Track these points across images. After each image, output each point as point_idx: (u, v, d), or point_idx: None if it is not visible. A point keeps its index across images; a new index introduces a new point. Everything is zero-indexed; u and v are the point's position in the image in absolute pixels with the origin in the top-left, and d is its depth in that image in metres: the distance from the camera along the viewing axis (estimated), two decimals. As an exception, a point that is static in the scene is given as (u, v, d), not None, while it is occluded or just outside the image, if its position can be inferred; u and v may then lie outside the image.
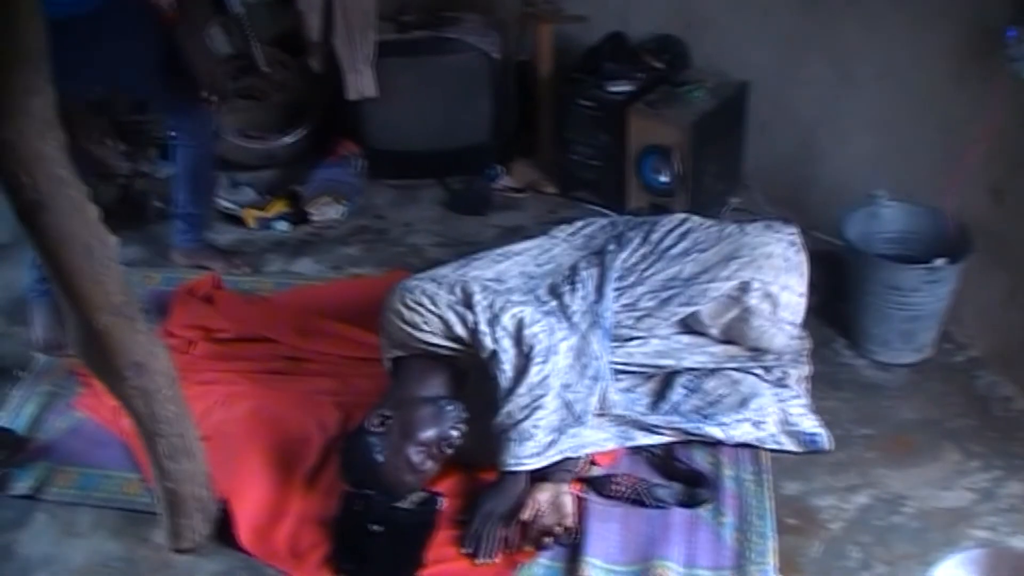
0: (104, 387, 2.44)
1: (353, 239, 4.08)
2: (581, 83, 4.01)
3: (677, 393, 2.97)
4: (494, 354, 2.76)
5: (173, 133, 3.69)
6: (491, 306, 2.80)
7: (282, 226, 4.17)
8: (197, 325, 3.47)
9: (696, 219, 3.16)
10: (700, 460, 2.87)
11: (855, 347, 3.32)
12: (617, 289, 2.97)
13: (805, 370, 3.12)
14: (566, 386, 2.80)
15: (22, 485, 2.93)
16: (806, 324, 3.13)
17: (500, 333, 2.77)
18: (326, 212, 4.19)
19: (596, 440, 2.84)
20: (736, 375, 3.01)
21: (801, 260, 3.01)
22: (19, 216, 1.73)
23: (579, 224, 3.28)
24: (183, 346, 3.39)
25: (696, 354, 3.01)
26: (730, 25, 3.95)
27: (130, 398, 2.17)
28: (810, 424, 2.92)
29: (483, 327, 2.77)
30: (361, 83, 4.16)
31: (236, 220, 4.19)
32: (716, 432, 2.87)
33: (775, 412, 2.92)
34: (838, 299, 3.35)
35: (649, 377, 3.04)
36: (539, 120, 4.32)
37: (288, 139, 4.54)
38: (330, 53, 4.17)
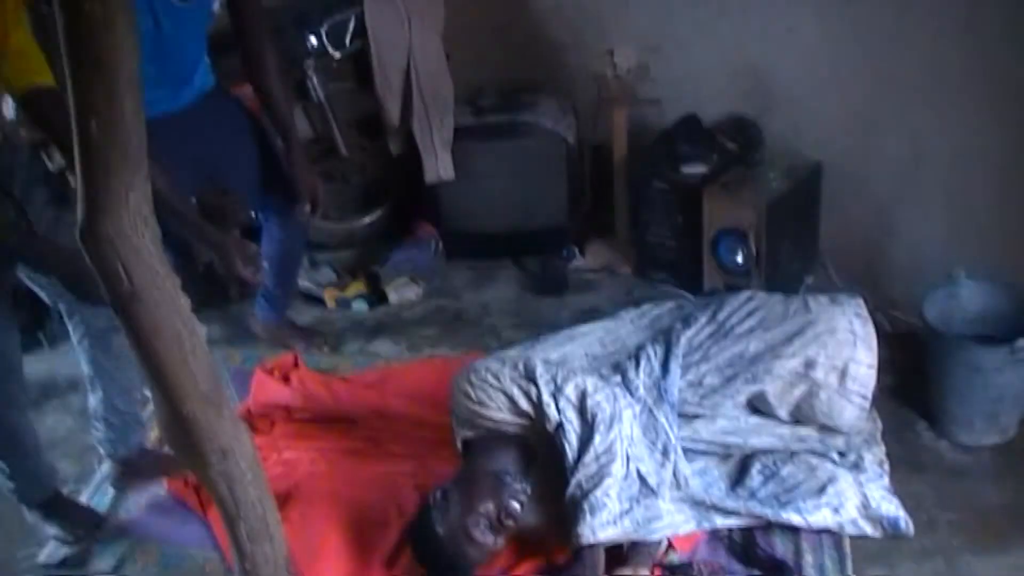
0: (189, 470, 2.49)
1: (430, 320, 4.12)
2: (656, 165, 4.04)
3: (754, 479, 2.94)
4: (559, 426, 2.79)
5: (263, 220, 3.75)
6: (554, 379, 2.83)
7: (360, 306, 4.23)
8: (277, 405, 3.52)
9: (763, 296, 3.16)
10: (780, 546, 2.84)
11: (936, 429, 3.26)
12: (682, 367, 2.97)
13: (881, 452, 3.07)
14: (637, 459, 2.80)
15: (103, 563, 2.98)
16: (885, 405, 3.10)
17: (564, 404, 2.79)
18: (404, 293, 4.24)
19: (674, 521, 2.82)
20: (813, 460, 2.97)
21: (868, 332, 2.98)
22: (114, 307, 1.79)
23: (647, 306, 3.30)
24: (264, 426, 3.44)
25: (764, 435, 2.99)
26: (803, 105, 3.96)
27: (214, 483, 2.20)
28: (891, 508, 2.87)
29: (546, 399, 2.80)
30: (439, 166, 4.23)
31: (315, 300, 4.26)
32: (795, 518, 2.83)
33: (854, 496, 2.88)
34: (918, 380, 3.31)
35: (722, 459, 3.03)
36: (614, 202, 4.35)
37: (367, 220, 4.62)
38: (408, 136, 4.26)
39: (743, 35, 4.01)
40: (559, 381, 2.82)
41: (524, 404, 2.83)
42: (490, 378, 2.85)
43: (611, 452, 2.73)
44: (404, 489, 3.11)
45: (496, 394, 2.84)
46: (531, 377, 2.84)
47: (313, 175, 3.54)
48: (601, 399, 2.79)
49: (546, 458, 2.87)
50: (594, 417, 2.76)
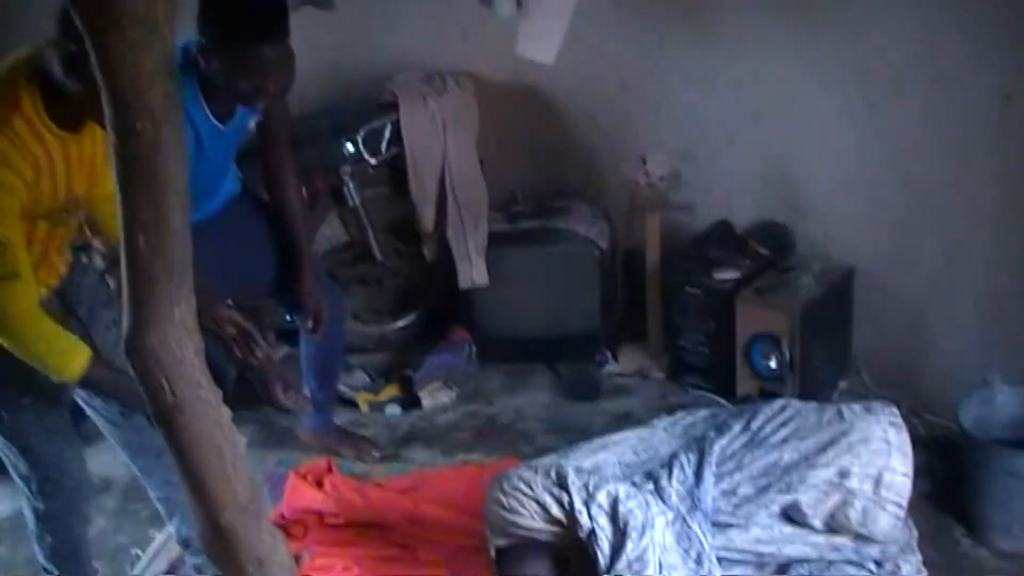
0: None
1: (464, 424, 4.12)
2: (688, 271, 4.07)
3: (792, 591, 2.93)
4: (591, 533, 2.78)
5: (298, 323, 3.77)
6: (585, 486, 2.83)
7: (394, 410, 4.24)
8: (310, 510, 3.52)
9: (797, 405, 3.15)
10: (820, 657, 2.81)
11: (975, 535, 3.23)
12: (716, 475, 2.97)
13: (917, 560, 3.04)
14: (671, 567, 2.78)
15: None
16: (921, 510, 3.06)
17: (596, 511, 2.79)
18: (437, 397, 4.26)
19: (710, 633, 2.80)
20: (850, 570, 2.95)
21: (903, 440, 2.96)
22: (156, 417, 1.83)
23: (680, 414, 3.30)
24: (297, 531, 3.43)
25: (799, 544, 2.97)
26: (834, 210, 3.99)
27: (251, 591, 2.22)
28: (931, 617, 2.84)
29: (579, 506, 2.80)
30: (472, 271, 4.28)
31: (349, 403, 4.28)
32: (834, 630, 2.80)
33: (894, 607, 2.85)
34: (955, 485, 3.28)
35: (757, 567, 3.00)
36: (647, 307, 4.37)
37: (401, 324, 4.65)
38: (443, 242, 4.32)
39: (774, 141, 4.06)
40: (591, 488, 2.82)
41: (556, 512, 2.83)
42: (522, 486, 2.86)
43: (643, 560, 2.72)
44: (438, 597, 3.11)
45: (529, 502, 2.84)
46: (563, 484, 2.84)
47: (318, 292, 3.53)
48: (633, 506, 2.79)
49: (579, 566, 2.86)
50: (626, 524, 2.76)
